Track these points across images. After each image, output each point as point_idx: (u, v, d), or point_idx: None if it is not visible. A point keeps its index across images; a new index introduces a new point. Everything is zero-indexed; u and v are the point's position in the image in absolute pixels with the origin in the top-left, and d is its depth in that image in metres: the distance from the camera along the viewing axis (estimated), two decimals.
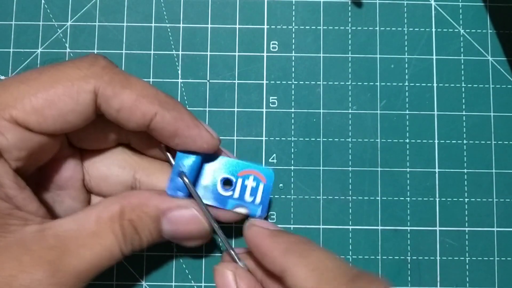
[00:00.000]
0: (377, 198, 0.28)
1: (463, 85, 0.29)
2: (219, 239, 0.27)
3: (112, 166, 0.24)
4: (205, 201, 0.23)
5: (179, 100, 0.28)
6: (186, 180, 0.23)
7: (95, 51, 0.29)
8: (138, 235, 0.22)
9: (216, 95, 0.28)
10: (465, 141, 0.28)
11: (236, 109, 0.28)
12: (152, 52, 0.29)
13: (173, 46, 0.29)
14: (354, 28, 0.29)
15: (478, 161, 0.28)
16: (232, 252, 0.23)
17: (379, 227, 0.28)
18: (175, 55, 0.29)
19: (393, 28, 0.29)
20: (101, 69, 0.21)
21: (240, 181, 0.24)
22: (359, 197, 0.28)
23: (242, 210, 0.24)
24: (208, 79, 0.29)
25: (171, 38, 0.29)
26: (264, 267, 0.21)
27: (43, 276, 0.20)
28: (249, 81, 0.29)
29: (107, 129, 0.24)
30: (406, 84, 0.29)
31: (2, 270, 0.20)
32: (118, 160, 0.25)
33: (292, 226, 0.28)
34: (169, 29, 0.29)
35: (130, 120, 0.22)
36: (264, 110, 0.28)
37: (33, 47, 0.29)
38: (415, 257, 0.27)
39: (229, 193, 0.24)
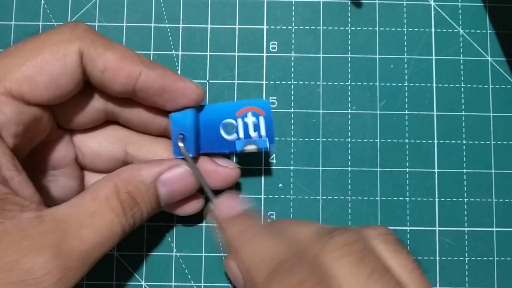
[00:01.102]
0: (377, 198, 0.28)
1: (462, 85, 0.29)
2: (219, 239, 0.27)
3: (102, 143, 0.25)
4: (214, 152, 0.24)
5: None
6: (181, 145, 0.23)
7: None
8: (138, 206, 0.22)
9: (215, 95, 0.29)
10: (464, 141, 0.28)
11: None
12: (151, 52, 0.29)
13: (172, 46, 0.29)
14: (354, 28, 0.29)
15: (477, 161, 0.28)
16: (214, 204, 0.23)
17: None
18: (174, 55, 0.29)
19: (392, 28, 0.29)
20: (82, 32, 0.21)
21: (240, 121, 0.24)
22: (359, 197, 0.28)
23: (251, 147, 0.24)
24: (207, 79, 0.29)
25: (170, 38, 0.29)
26: None
27: (45, 259, 0.19)
28: (248, 81, 0.29)
29: (93, 106, 0.24)
30: (406, 84, 0.29)
31: (3, 256, 0.19)
32: (108, 136, 0.25)
33: None
34: (168, 29, 0.29)
35: (116, 81, 0.22)
36: None
37: None
38: (414, 257, 0.27)
39: (233, 136, 0.24)
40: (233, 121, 0.24)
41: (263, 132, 0.24)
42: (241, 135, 0.24)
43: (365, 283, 0.17)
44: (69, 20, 0.29)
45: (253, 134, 0.24)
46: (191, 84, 0.23)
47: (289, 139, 0.28)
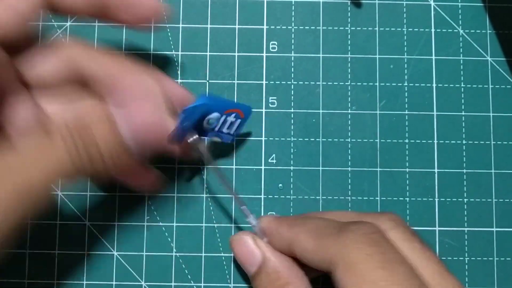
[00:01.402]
0: (377, 198, 0.28)
1: (462, 85, 0.29)
2: (218, 239, 0.27)
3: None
4: (190, 133, 0.25)
5: None
6: (201, 148, 0.25)
7: None
8: (92, 136, 0.20)
9: (215, 95, 0.29)
10: (464, 141, 0.28)
11: None
12: (151, 52, 0.29)
13: (172, 47, 0.29)
14: (354, 28, 0.29)
15: (477, 161, 0.28)
16: (244, 207, 0.24)
17: None
18: (174, 55, 0.29)
19: (392, 29, 0.29)
20: None
21: (223, 117, 0.26)
22: (359, 197, 0.28)
23: (215, 139, 0.27)
24: (207, 79, 0.29)
25: (170, 38, 0.29)
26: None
27: None
28: (248, 82, 0.29)
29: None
30: (406, 84, 0.29)
31: None
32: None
33: None
34: (168, 29, 0.29)
35: None
36: (264, 110, 0.28)
37: None
38: None
39: (211, 126, 0.26)
40: (220, 116, 0.25)
41: (232, 131, 0.27)
42: (217, 128, 0.26)
43: (420, 249, 0.20)
44: (68, 21, 0.29)
45: (225, 130, 0.26)
46: None
47: (289, 139, 0.28)
